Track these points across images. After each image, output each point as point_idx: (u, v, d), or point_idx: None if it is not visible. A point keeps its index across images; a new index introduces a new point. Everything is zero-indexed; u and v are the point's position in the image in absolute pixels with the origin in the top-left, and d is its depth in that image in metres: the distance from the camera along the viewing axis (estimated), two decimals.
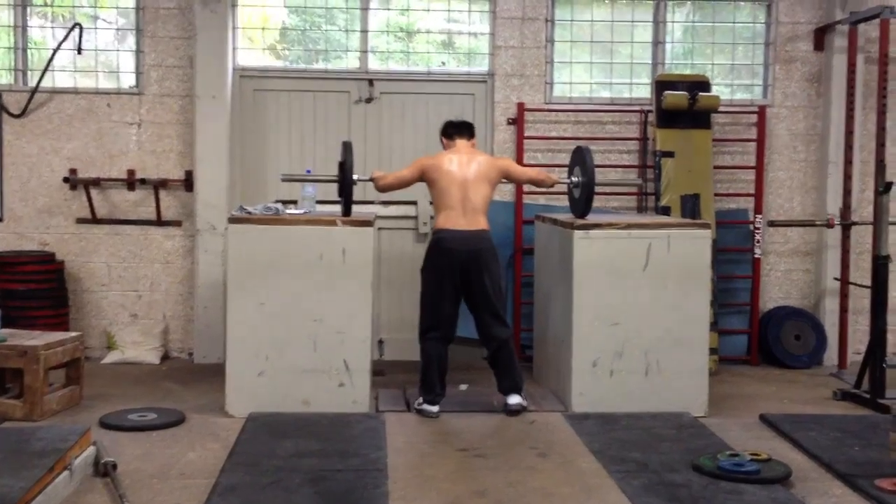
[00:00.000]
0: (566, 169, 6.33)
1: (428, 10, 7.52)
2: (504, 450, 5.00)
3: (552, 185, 6.14)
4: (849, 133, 7.25)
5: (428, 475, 4.57)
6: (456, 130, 5.91)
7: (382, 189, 5.95)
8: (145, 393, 6.18)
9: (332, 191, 5.99)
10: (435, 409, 5.64)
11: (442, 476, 4.56)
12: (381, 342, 7.10)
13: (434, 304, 5.69)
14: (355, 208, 6.05)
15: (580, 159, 6.03)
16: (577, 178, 6.04)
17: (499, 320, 5.74)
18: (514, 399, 5.68)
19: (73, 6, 7.34)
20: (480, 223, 5.69)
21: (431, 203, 5.97)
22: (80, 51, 7.14)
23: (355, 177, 5.82)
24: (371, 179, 5.95)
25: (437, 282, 5.67)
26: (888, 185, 6.10)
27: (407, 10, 7.52)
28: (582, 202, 6.00)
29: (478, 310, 5.73)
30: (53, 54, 7.15)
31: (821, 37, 7.52)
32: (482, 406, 5.86)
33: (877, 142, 6.87)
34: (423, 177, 5.80)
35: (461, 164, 5.72)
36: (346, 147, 5.81)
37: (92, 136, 7.25)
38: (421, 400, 5.70)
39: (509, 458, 4.84)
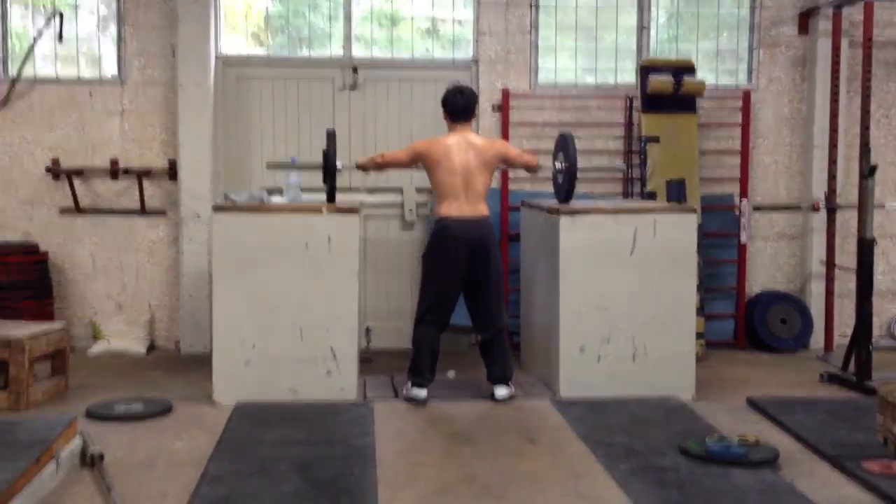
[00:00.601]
0: (551, 155, 6.32)
1: None
2: (492, 436, 5.00)
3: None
4: (833, 117, 7.26)
5: (416, 462, 4.57)
6: (459, 115, 5.79)
7: (377, 169, 5.99)
8: (132, 383, 6.15)
9: (317, 179, 5.96)
10: (423, 393, 5.64)
11: (430, 462, 4.56)
12: (368, 330, 7.08)
13: (437, 290, 5.69)
14: (341, 196, 6.04)
15: (563, 146, 6.05)
16: (560, 165, 6.06)
17: (496, 308, 5.75)
18: (501, 391, 5.69)
19: None
20: (483, 210, 5.71)
21: (431, 191, 5.97)
22: (61, 39, 7.07)
23: (339, 164, 5.82)
24: (358, 167, 6.01)
25: (443, 268, 5.66)
26: (873, 168, 6.12)
27: None
28: (565, 188, 6.03)
29: (476, 297, 5.73)
30: (34, 43, 7.08)
31: (805, 20, 7.52)
32: (470, 393, 5.85)
33: (861, 125, 6.88)
34: (418, 161, 5.80)
35: (461, 151, 5.69)
36: (330, 136, 5.80)
37: (74, 125, 7.19)
38: (409, 384, 5.69)
39: (497, 445, 4.84)
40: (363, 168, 6.02)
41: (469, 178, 5.66)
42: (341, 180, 6.84)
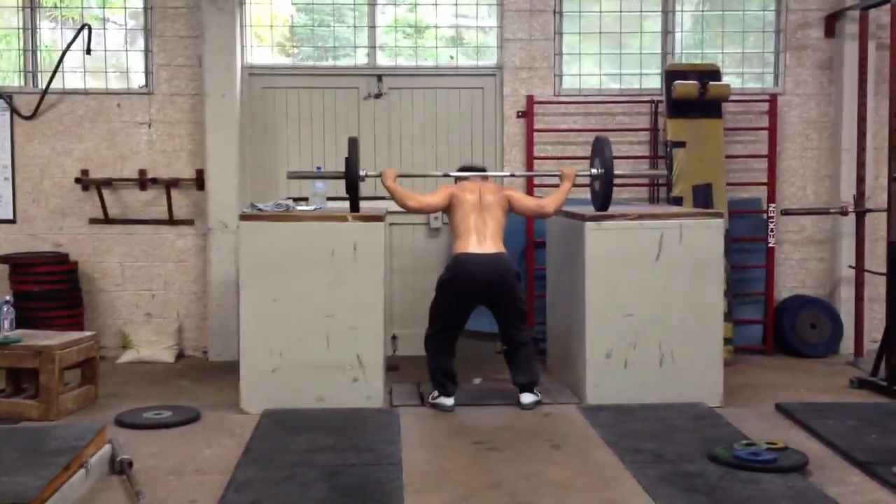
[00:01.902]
0: (576, 161, 6.30)
1: (436, 5, 7.50)
2: (519, 442, 4.99)
3: (554, 210, 5.94)
4: (861, 120, 7.19)
5: (443, 468, 4.56)
6: (471, 169, 6.11)
7: (411, 210, 6.00)
8: (160, 391, 6.20)
9: (342, 188, 5.97)
10: (450, 401, 5.64)
11: (457, 469, 4.55)
12: (394, 337, 7.10)
13: (445, 317, 5.73)
14: (366, 204, 6.05)
15: (599, 150, 6.00)
16: (596, 170, 5.99)
17: (521, 329, 5.80)
18: (527, 398, 5.68)
19: (83, 7, 7.36)
20: (499, 247, 5.71)
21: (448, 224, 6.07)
22: (89, 51, 7.16)
23: (362, 172, 5.83)
24: (380, 175, 5.91)
25: (452, 302, 5.69)
26: None
27: (415, 5, 7.51)
28: (601, 195, 5.94)
29: (500, 318, 5.79)
30: (63, 55, 7.17)
31: (831, 23, 7.47)
32: (496, 399, 5.85)
33: (890, 128, 6.79)
34: (449, 203, 5.82)
35: (475, 191, 5.80)
36: (352, 143, 5.80)
37: (103, 136, 7.27)
38: (436, 393, 5.70)
39: (524, 451, 4.83)
40: (388, 188, 5.86)
41: (485, 217, 5.70)
42: (366, 188, 6.88)
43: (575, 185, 6.00)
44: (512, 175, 6.81)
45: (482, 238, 5.67)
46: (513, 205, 5.86)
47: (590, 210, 6.02)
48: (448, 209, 5.82)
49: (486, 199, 5.76)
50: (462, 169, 6.13)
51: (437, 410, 5.61)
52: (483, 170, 6.23)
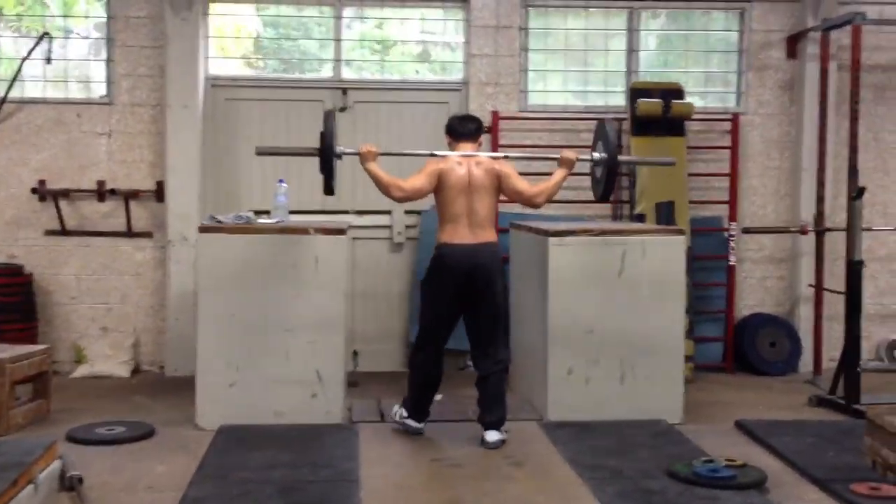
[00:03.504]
0: (539, 177, 6.24)
1: (402, 21, 7.49)
2: (479, 459, 4.95)
3: (544, 201, 5.32)
4: (822, 140, 7.27)
5: (402, 485, 4.52)
6: (462, 134, 5.32)
7: (397, 201, 5.36)
8: (114, 406, 6.08)
9: (305, 201, 5.93)
10: (421, 426, 5.39)
11: (416, 486, 4.51)
12: (355, 353, 7.03)
13: (432, 320, 5.28)
14: (328, 217, 5.99)
15: (602, 134, 5.43)
16: (598, 155, 5.45)
17: (498, 343, 5.29)
18: (493, 436, 5.17)
19: (44, 16, 7.26)
20: (487, 235, 5.20)
21: (420, 212, 5.72)
22: (49, 61, 7.06)
23: (339, 149, 5.21)
24: (359, 153, 5.20)
25: (437, 300, 5.23)
26: (861, 191, 6.12)
27: (382, 20, 7.49)
28: (602, 182, 5.42)
29: (476, 329, 5.26)
30: (21, 64, 7.06)
31: (793, 44, 7.56)
32: (457, 416, 5.79)
33: (850, 148, 6.89)
34: (437, 182, 5.19)
35: (463, 170, 5.18)
36: (328, 116, 5.19)
37: (61, 146, 7.16)
38: (405, 412, 5.43)
39: (484, 468, 4.79)
40: (369, 170, 5.18)
41: (472, 202, 5.16)
42: (329, 201, 6.82)
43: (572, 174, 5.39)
44: (506, 157, 5.64)
45: (470, 224, 5.15)
46: (503, 184, 5.23)
47: (554, 225, 6.01)
48: (437, 188, 5.20)
49: (476, 179, 5.16)
50: (456, 119, 5.45)
51: (398, 427, 5.49)
52: (478, 123, 5.42)
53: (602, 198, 5.55)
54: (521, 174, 5.39)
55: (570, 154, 5.37)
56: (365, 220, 7.27)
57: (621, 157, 5.37)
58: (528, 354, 6.18)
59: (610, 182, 5.40)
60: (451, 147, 5.34)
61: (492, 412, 5.24)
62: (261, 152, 5.61)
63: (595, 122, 6.14)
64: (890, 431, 4.47)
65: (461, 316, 5.31)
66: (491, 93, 7.40)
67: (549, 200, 5.38)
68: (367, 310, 7.29)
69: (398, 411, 5.51)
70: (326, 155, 5.10)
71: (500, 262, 5.27)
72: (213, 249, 5.57)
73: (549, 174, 5.38)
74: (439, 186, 5.18)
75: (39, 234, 7.15)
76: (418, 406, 5.42)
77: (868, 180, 7.29)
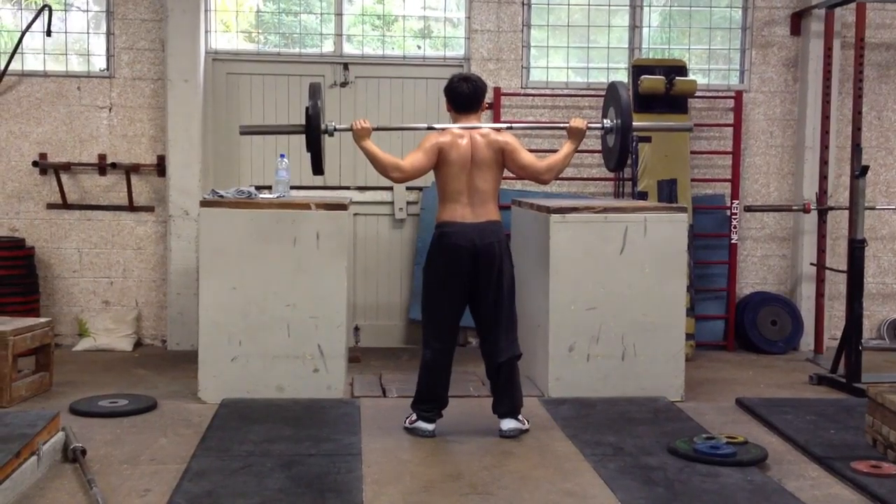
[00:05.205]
0: (543, 153, 6.22)
1: None
2: (479, 434, 4.95)
3: (553, 176, 5.01)
4: (825, 118, 7.25)
5: (402, 459, 4.53)
6: (464, 105, 4.91)
7: (396, 182, 5.04)
8: (117, 380, 6.09)
9: (306, 176, 5.88)
10: (431, 427, 4.91)
11: (416, 460, 4.52)
12: (356, 329, 7.04)
13: (437, 308, 4.91)
14: (329, 193, 5.97)
15: (614, 97, 5.00)
16: (610, 122, 5.10)
17: (508, 332, 4.92)
18: (508, 424, 4.90)
19: None
20: (490, 214, 4.86)
21: (421, 189, 5.62)
22: (49, 33, 7.01)
23: (328, 124, 4.92)
24: (351, 129, 4.92)
25: (439, 284, 4.87)
26: (864, 169, 6.10)
27: None
28: (616, 151, 5.03)
29: (484, 318, 4.91)
30: (22, 36, 7.01)
31: (797, 21, 7.51)
32: (458, 391, 5.79)
33: (853, 126, 6.87)
34: (438, 158, 4.86)
35: (465, 145, 4.83)
36: (314, 89, 4.86)
37: (62, 119, 7.13)
38: (415, 417, 4.96)
39: (484, 443, 4.80)
40: (364, 148, 4.90)
41: (473, 178, 4.83)
42: (331, 177, 6.80)
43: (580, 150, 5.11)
44: (510, 127, 5.29)
45: (472, 203, 4.82)
46: (507, 158, 4.87)
47: (555, 203, 6.00)
48: (438, 163, 4.87)
49: (479, 153, 4.81)
50: (456, 78, 4.97)
51: (414, 435, 4.95)
52: (480, 84, 4.96)
53: (617, 166, 5.19)
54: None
55: (579, 123, 4.98)
56: (366, 195, 7.25)
57: (636, 123, 5.00)
58: (529, 331, 6.17)
59: (624, 150, 4.99)
60: (453, 117, 4.99)
61: (504, 401, 4.95)
62: (245, 132, 5.48)
63: (601, 93, 5.92)
64: (891, 410, 4.47)
65: (467, 304, 4.95)
66: (493, 69, 7.36)
67: (558, 177, 5.14)
68: (369, 286, 7.30)
69: (409, 416, 5.05)
70: (313, 133, 4.80)
71: (506, 243, 4.96)
72: (215, 224, 5.56)
73: (554, 151, 5.19)
74: (439, 162, 4.85)
75: (41, 208, 7.14)
76: (426, 400, 4.96)
77: (871, 159, 7.28)
